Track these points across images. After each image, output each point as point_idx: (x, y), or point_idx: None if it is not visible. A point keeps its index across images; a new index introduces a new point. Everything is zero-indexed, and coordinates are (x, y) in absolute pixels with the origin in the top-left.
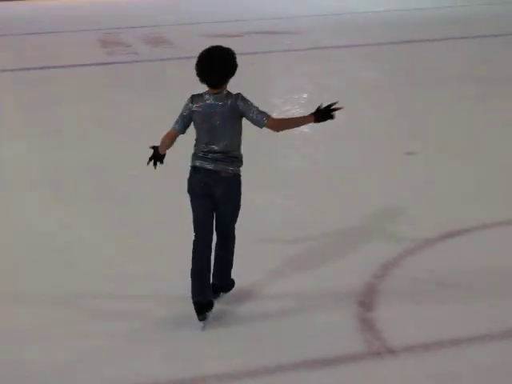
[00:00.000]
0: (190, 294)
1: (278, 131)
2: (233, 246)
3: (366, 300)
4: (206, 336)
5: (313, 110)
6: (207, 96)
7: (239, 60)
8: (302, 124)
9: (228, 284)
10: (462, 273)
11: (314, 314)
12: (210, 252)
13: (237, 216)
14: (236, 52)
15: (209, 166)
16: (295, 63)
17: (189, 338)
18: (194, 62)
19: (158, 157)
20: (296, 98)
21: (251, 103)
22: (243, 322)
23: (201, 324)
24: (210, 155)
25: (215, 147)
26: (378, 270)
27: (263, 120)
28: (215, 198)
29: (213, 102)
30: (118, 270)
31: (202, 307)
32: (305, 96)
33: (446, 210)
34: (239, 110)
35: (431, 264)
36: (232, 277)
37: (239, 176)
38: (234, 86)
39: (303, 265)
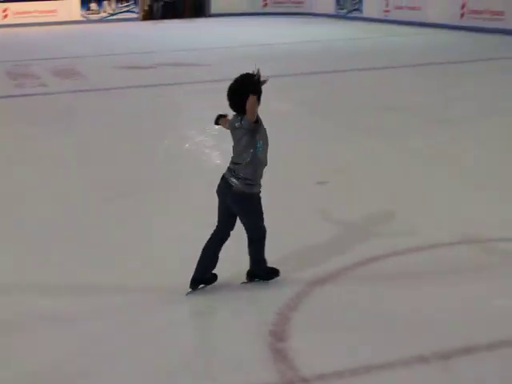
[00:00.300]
0: None
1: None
2: (258, 247)
3: (278, 330)
4: None
5: (226, 141)
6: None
7: (151, 91)
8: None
9: (263, 273)
10: (372, 299)
11: (226, 345)
12: (219, 245)
13: (253, 226)
14: (148, 84)
15: (226, 176)
16: (207, 94)
17: None
18: (105, 93)
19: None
20: (208, 130)
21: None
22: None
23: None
24: (230, 165)
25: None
26: (290, 299)
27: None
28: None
29: (233, 119)
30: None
31: (192, 281)
32: (217, 127)
33: (358, 238)
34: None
35: (343, 292)
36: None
37: (249, 194)
38: (144, 116)
39: (213, 293)
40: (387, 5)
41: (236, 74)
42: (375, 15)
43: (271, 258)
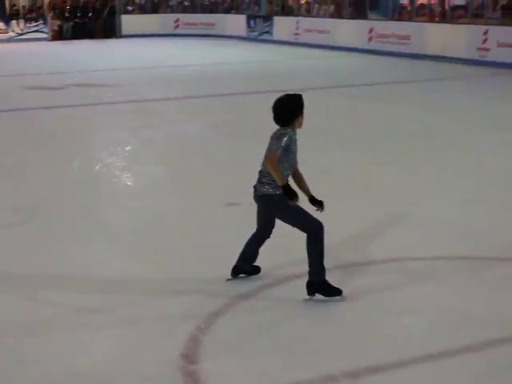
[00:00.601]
0: None
1: (268, 167)
2: (312, 248)
3: (190, 352)
4: None
5: (137, 163)
6: None
7: (61, 112)
8: (277, 180)
9: (318, 284)
10: (285, 320)
11: (136, 368)
12: (259, 243)
13: (297, 223)
14: (59, 104)
15: (255, 184)
16: (117, 116)
17: None
18: (14, 114)
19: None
20: (119, 151)
21: (278, 142)
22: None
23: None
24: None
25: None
26: (201, 321)
27: (269, 153)
28: None
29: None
30: None
31: (233, 269)
32: (127, 149)
33: (269, 259)
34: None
35: (256, 313)
36: None
37: (271, 196)
38: (54, 137)
39: (122, 317)
40: (297, 28)
41: (148, 95)
42: (286, 38)
43: (180, 276)
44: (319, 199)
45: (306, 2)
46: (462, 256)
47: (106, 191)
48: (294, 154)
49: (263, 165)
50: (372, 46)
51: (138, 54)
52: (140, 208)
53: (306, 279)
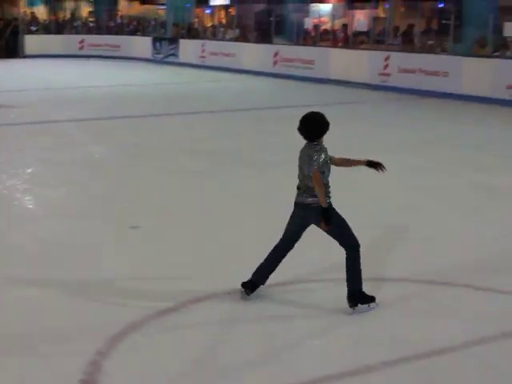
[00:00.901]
0: None
1: (314, 184)
2: (350, 262)
3: (90, 379)
4: None
5: (38, 186)
6: None
7: None
8: (320, 199)
9: (355, 296)
10: (185, 346)
11: None
12: (279, 252)
13: (339, 235)
14: None
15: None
16: (22, 137)
17: None
18: None
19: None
20: (21, 173)
21: (313, 155)
22: None
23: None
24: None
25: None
26: (102, 346)
27: (309, 170)
28: None
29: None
30: None
31: (249, 285)
32: (29, 171)
33: (173, 281)
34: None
35: (159, 337)
36: None
37: (309, 205)
38: None
39: (26, 344)
40: (203, 51)
41: (54, 117)
42: (191, 60)
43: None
44: (375, 161)
45: (212, 26)
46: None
47: (6, 215)
48: (330, 160)
49: (301, 181)
50: (277, 69)
51: (43, 75)
52: (40, 231)
53: (209, 303)
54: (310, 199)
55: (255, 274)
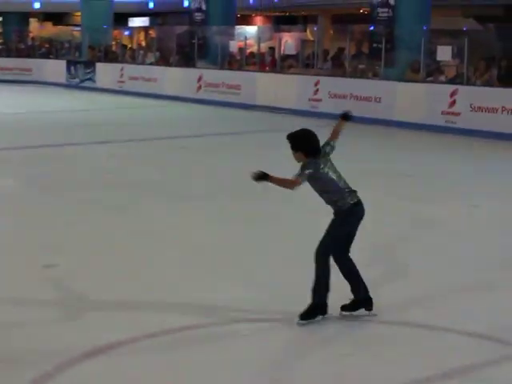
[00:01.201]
0: None
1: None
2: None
3: None
4: None
5: None
6: None
7: None
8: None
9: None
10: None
11: None
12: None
13: (328, 235)
14: None
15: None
16: None
17: None
18: None
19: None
20: None
21: (300, 169)
22: None
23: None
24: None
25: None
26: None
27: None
28: None
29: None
30: None
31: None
32: None
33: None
34: None
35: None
36: None
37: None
38: None
39: None
40: (122, 75)
41: None
42: (109, 85)
43: None
44: (345, 112)
45: (131, 49)
46: None
47: None
48: (330, 170)
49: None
50: (201, 95)
51: None
52: None
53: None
54: (336, 206)
55: (357, 291)
